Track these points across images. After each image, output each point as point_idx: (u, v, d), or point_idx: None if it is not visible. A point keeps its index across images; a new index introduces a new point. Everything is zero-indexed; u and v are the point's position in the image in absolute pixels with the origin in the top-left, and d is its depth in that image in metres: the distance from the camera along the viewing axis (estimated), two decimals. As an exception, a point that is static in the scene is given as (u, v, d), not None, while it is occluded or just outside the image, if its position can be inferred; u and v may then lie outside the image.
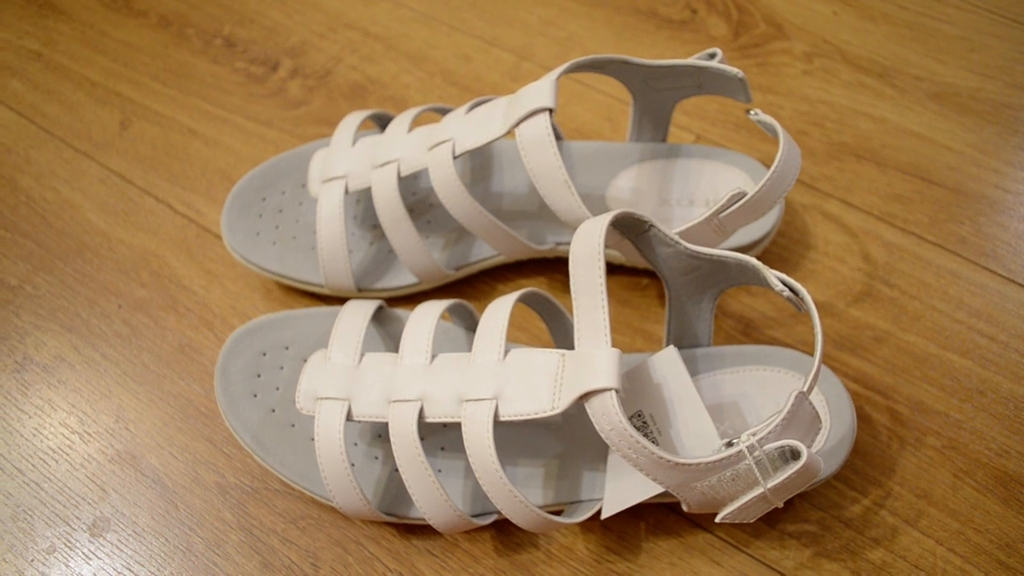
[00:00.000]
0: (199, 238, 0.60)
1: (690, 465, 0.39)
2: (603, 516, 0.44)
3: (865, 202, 0.61)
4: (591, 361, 0.39)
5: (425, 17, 0.74)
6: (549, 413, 0.40)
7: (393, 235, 0.52)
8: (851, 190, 0.62)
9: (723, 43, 0.72)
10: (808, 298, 0.41)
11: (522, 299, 0.47)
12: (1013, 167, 0.63)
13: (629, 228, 0.45)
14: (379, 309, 0.51)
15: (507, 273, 0.59)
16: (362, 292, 0.55)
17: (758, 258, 0.57)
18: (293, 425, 0.49)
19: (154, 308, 0.57)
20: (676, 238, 0.44)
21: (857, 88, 0.68)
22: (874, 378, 0.53)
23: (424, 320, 0.47)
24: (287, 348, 0.51)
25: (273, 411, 0.49)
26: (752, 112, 0.49)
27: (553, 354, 0.41)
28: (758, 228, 0.55)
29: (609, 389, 0.38)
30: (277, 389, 0.50)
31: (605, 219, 0.42)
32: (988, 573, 0.46)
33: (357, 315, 0.49)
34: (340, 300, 0.57)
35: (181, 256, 0.60)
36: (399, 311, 0.52)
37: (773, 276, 0.42)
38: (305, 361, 0.49)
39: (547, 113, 0.46)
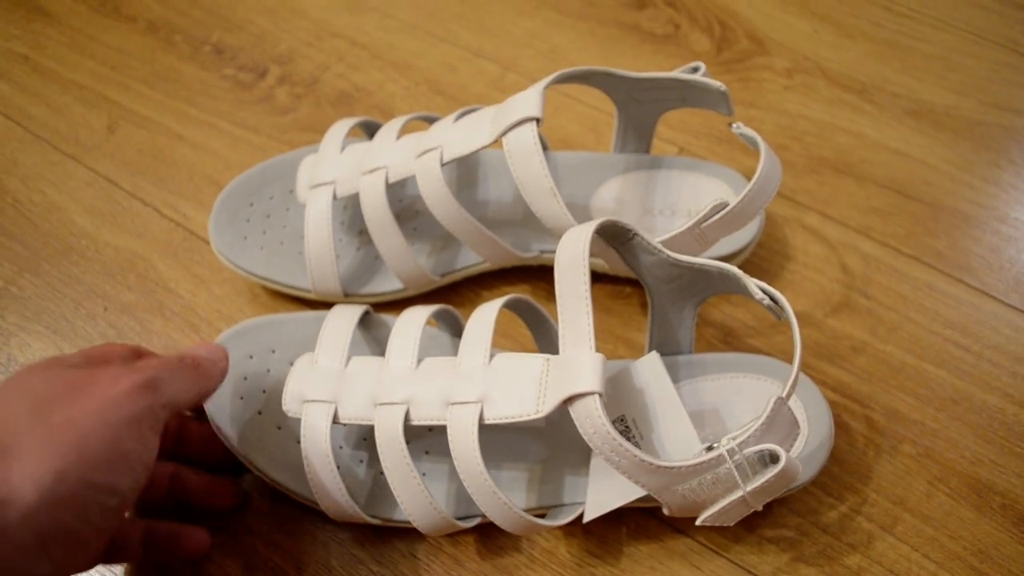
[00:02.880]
0: (186, 242, 0.61)
1: (672, 468, 0.39)
2: (585, 519, 0.45)
3: (843, 215, 0.62)
4: (575, 365, 0.40)
5: (411, 27, 0.75)
6: (533, 416, 0.41)
7: (380, 240, 0.52)
8: (830, 203, 0.63)
9: (706, 58, 0.73)
10: (787, 306, 0.42)
11: (508, 305, 0.48)
12: (987, 183, 0.64)
13: (613, 236, 0.46)
14: (365, 314, 0.52)
15: (492, 280, 0.59)
16: (349, 297, 0.55)
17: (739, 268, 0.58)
18: (279, 427, 0.49)
19: (140, 311, 0.58)
20: (659, 247, 0.45)
21: (836, 104, 0.69)
22: (851, 387, 0.54)
23: (410, 325, 0.47)
24: (274, 351, 0.51)
25: (259, 413, 0.50)
26: (735, 125, 0.50)
27: (538, 358, 0.42)
28: (739, 239, 0.56)
29: (593, 393, 0.39)
30: (263, 392, 0.50)
31: (590, 227, 0.42)
32: (961, 579, 0.48)
33: (344, 319, 0.49)
34: (327, 305, 0.57)
35: (168, 260, 0.60)
36: (385, 316, 0.53)
37: (753, 284, 0.43)
38: (291, 364, 0.49)
39: (534, 123, 0.47)
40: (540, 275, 0.59)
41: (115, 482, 0.34)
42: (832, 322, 0.57)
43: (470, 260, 0.56)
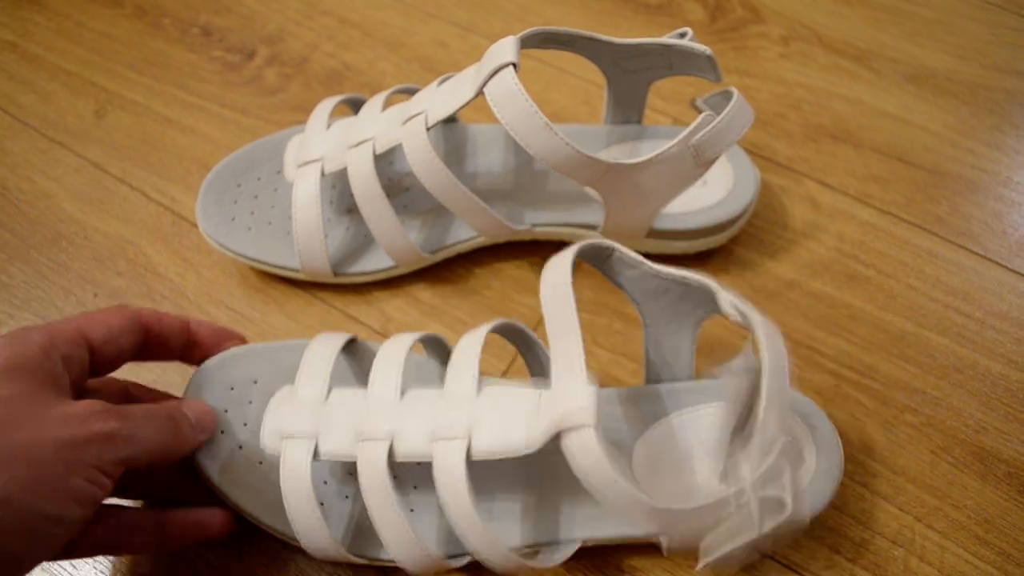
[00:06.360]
0: (175, 226, 0.60)
1: (672, 511, 0.38)
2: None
3: (842, 183, 0.61)
4: (567, 398, 0.38)
5: (401, 4, 0.74)
6: (524, 451, 0.39)
7: (369, 214, 0.52)
8: (828, 171, 0.62)
9: (700, 27, 0.72)
10: (757, 323, 0.39)
11: (495, 330, 0.46)
12: (989, 147, 0.63)
13: (595, 256, 0.44)
14: (351, 342, 0.49)
15: (484, 257, 0.58)
16: (338, 276, 0.55)
17: (735, 240, 0.58)
18: (260, 462, 0.46)
19: (130, 296, 0.57)
20: (640, 259, 0.43)
21: (834, 71, 0.68)
22: (852, 356, 0.53)
23: (395, 352, 0.45)
24: (255, 382, 0.48)
25: (240, 448, 0.46)
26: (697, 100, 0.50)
27: (529, 392, 0.40)
28: (734, 207, 0.55)
29: (586, 426, 0.37)
30: (244, 424, 0.47)
31: (569, 254, 0.41)
32: (966, 548, 0.47)
33: (326, 346, 0.46)
34: (317, 285, 0.56)
35: (157, 244, 0.59)
36: (371, 343, 0.50)
37: (727, 300, 0.41)
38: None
39: (511, 67, 0.45)
40: (533, 249, 0.58)
41: (62, 513, 0.35)
42: (831, 291, 0.56)
43: (461, 235, 0.55)
